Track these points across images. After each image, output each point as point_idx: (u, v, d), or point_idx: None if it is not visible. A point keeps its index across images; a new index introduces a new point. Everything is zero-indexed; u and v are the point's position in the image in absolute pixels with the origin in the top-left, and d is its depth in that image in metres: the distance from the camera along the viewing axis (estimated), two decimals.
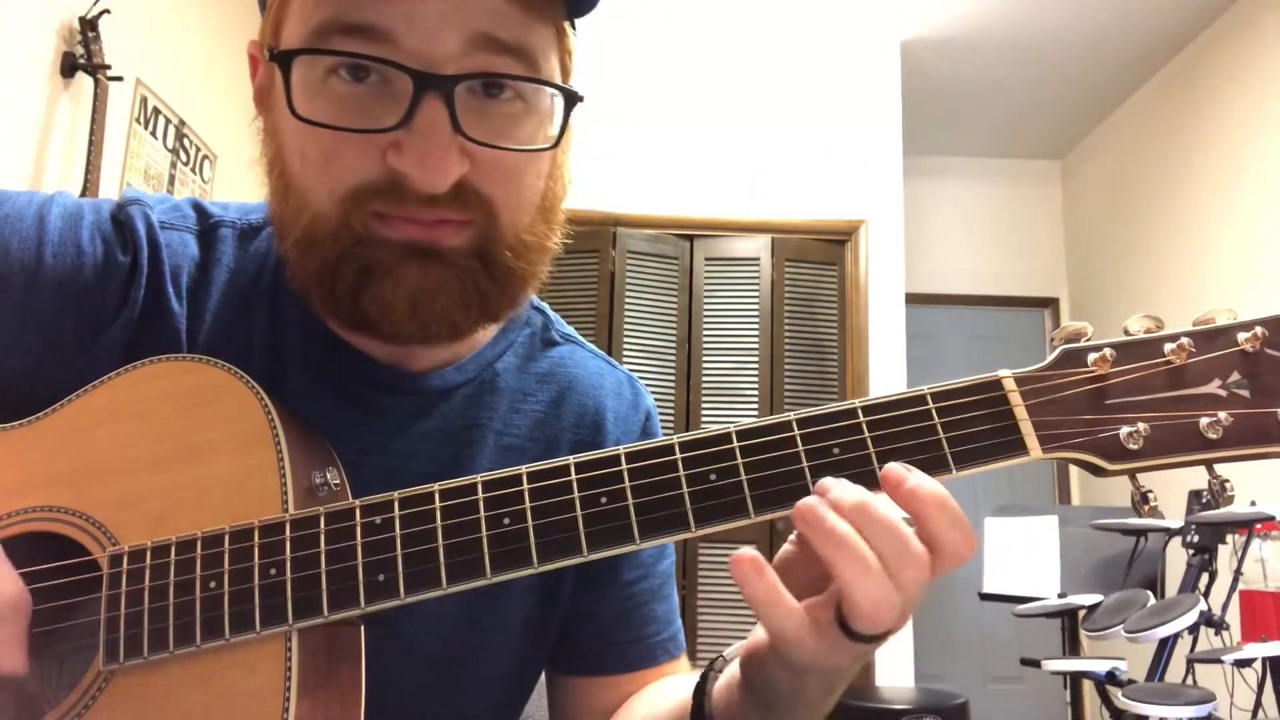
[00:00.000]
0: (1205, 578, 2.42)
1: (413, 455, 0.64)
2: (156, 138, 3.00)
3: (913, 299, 3.84)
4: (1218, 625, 2.27)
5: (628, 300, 3.42)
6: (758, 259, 3.53)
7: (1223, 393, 0.48)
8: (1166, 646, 2.34)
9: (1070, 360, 0.50)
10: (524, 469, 0.50)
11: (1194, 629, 2.25)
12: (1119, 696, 2.14)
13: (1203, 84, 3.67)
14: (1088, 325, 0.51)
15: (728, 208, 3.63)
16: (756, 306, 3.48)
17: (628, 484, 0.49)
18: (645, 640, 0.73)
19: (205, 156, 3.29)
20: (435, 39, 0.49)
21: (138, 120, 2.89)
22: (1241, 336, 0.49)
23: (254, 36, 0.58)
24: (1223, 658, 2.15)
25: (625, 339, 3.39)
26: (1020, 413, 0.48)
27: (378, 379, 0.63)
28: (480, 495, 0.49)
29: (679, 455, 0.49)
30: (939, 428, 0.48)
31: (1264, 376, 0.48)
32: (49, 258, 0.57)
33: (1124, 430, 0.48)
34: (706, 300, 3.51)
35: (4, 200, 0.59)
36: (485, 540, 0.49)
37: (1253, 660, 2.19)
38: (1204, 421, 0.48)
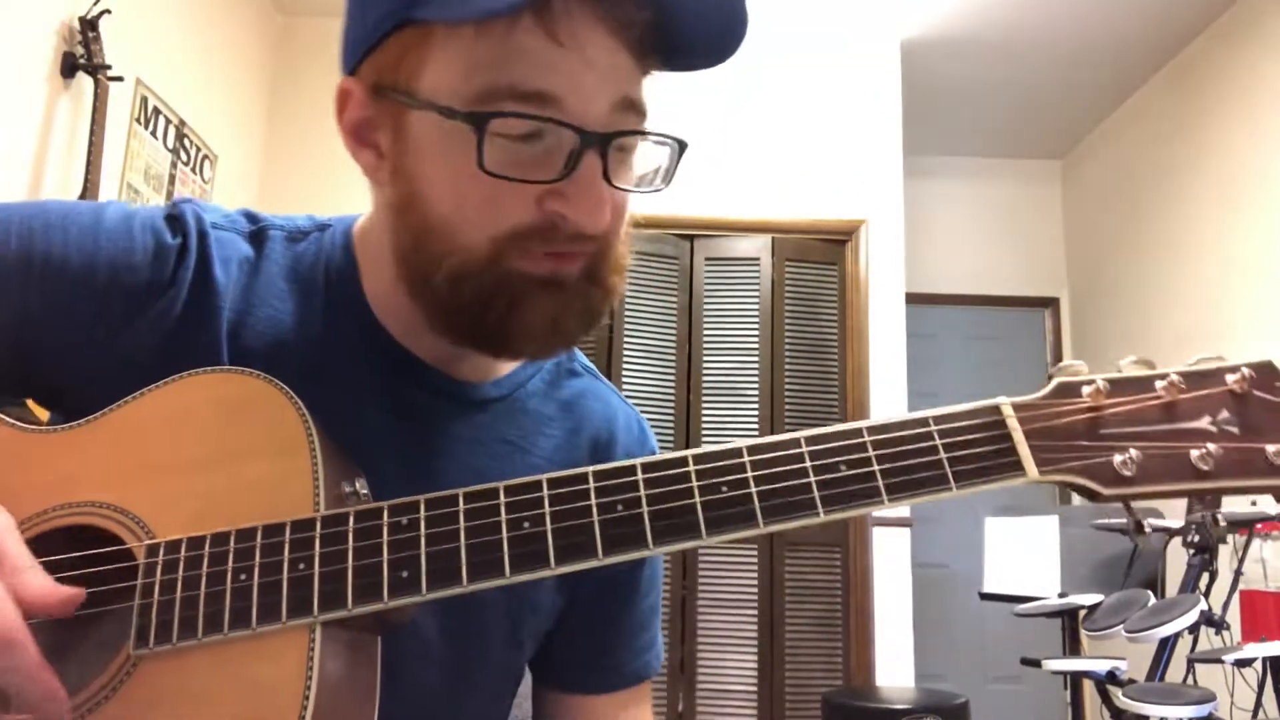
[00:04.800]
0: (1205, 578, 2.42)
1: (448, 457, 0.67)
2: (156, 138, 3.00)
3: (913, 299, 3.84)
4: (1218, 625, 2.27)
5: (628, 300, 3.42)
6: (758, 259, 3.53)
7: (1213, 428, 0.51)
8: (1167, 646, 2.34)
9: (1066, 391, 0.53)
10: (544, 477, 0.53)
11: (1194, 629, 2.25)
12: (1119, 696, 2.14)
13: (1203, 84, 3.67)
14: (1084, 364, 0.54)
15: (728, 208, 3.63)
16: (756, 306, 3.48)
17: (643, 493, 0.52)
18: (623, 666, 0.77)
19: (205, 156, 3.29)
20: (593, 102, 0.55)
21: (138, 120, 2.89)
22: (1230, 379, 0.52)
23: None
24: (1223, 658, 2.15)
25: (625, 339, 3.39)
26: (1018, 436, 0.51)
27: (425, 381, 0.67)
28: (502, 500, 0.52)
29: (692, 467, 0.52)
30: (940, 448, 0.51)
31: (1252, 416, 0.51)
32: (104, 241, 0.62)
33: (1117, 457, 0.51)
34: (706, 300, 3.51)
35: (65, 203, 0.64)
36: (505, 541, 0.51)
37: (1253, 660, 2.19)
38: (1195, 454, 0.50)
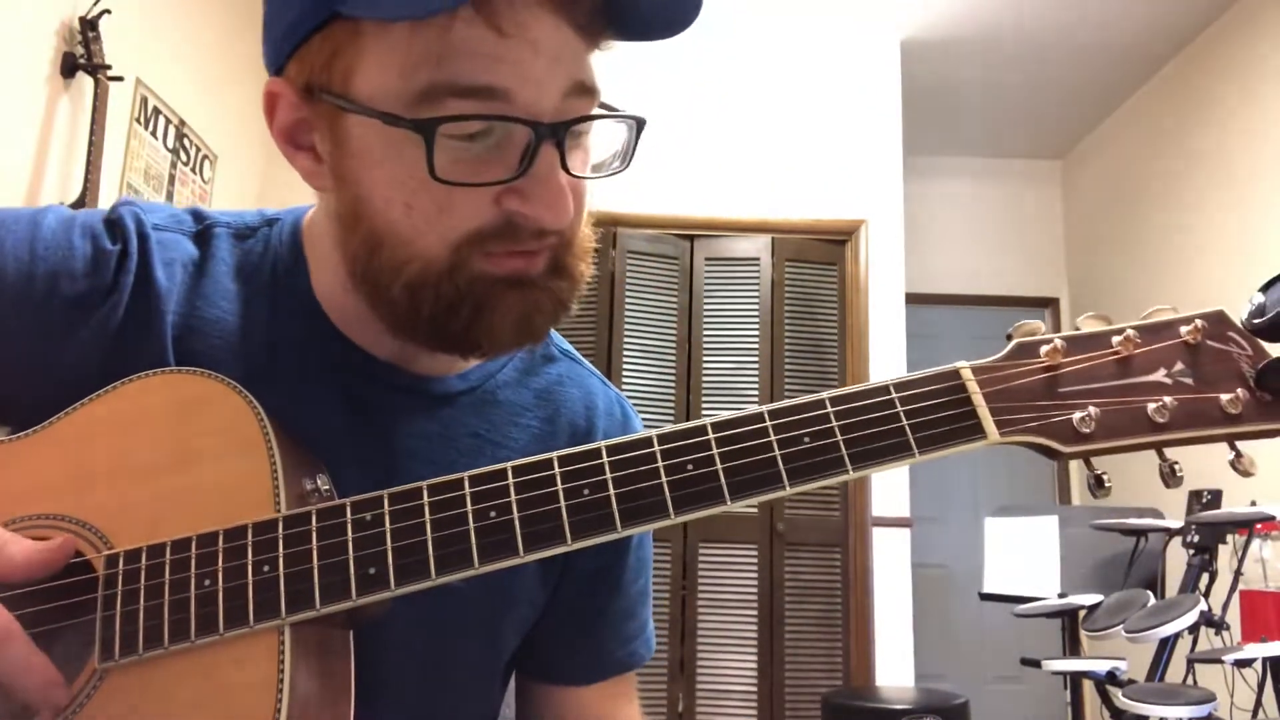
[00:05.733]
0: (1205, 578, 2.42)
1: (412, 455, 0.65)
2: (156, 138, 3.00)
3: (913, 299, 3.84)
4: (1218, 625, 2.27)
5: (628, 300, 3.42)
6: (758, 259, 3.53)
7: (1168, 380, 0.52)
8: (1167, 646, 2.34)
9: (1024, 352, 0.53)
10: (509, 465, 0.52)
11: (1194, 629, 2.25)
12: (1119, 696, 2.14)
13: (1203, 84, 3.67)
14: (1042, 324, 0.54)
15: (728, 208, 3.63)
16: (756, 306, 3.48)
17: (609, 475, 0.52)
18: (609, 655, 0.75)
19: (205, 156, 3.29)
20: (542, 90, 0.52)
21: (138, 120, 2.89)
22: (1183, 330, 0.52)
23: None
24: (1223, 658, 2.15)
25: (625, 339, 3.39)
26: (977, 399, 0.52)
27: (381, 377, 0.64)
28: (467, 490, 0.52)
29: (657, 447, 0.52)
30: (902, 415, 0.51)
31: (1205, 366, 0.52)
32: (41, 250, 0.59)
33: (1076, 415, 0.51)
34: (706, 300, 3.51)
35: (2, 210, 0.62)
36: (472, 532, 0.51)
37: (1253, 660, 2.19)
38: (1151, 406, 0.51)
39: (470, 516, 0.51)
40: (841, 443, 0.51)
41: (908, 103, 3.79)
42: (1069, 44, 3.79)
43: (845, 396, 0.52)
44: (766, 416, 0.52)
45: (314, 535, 0.51)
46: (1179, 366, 0.52)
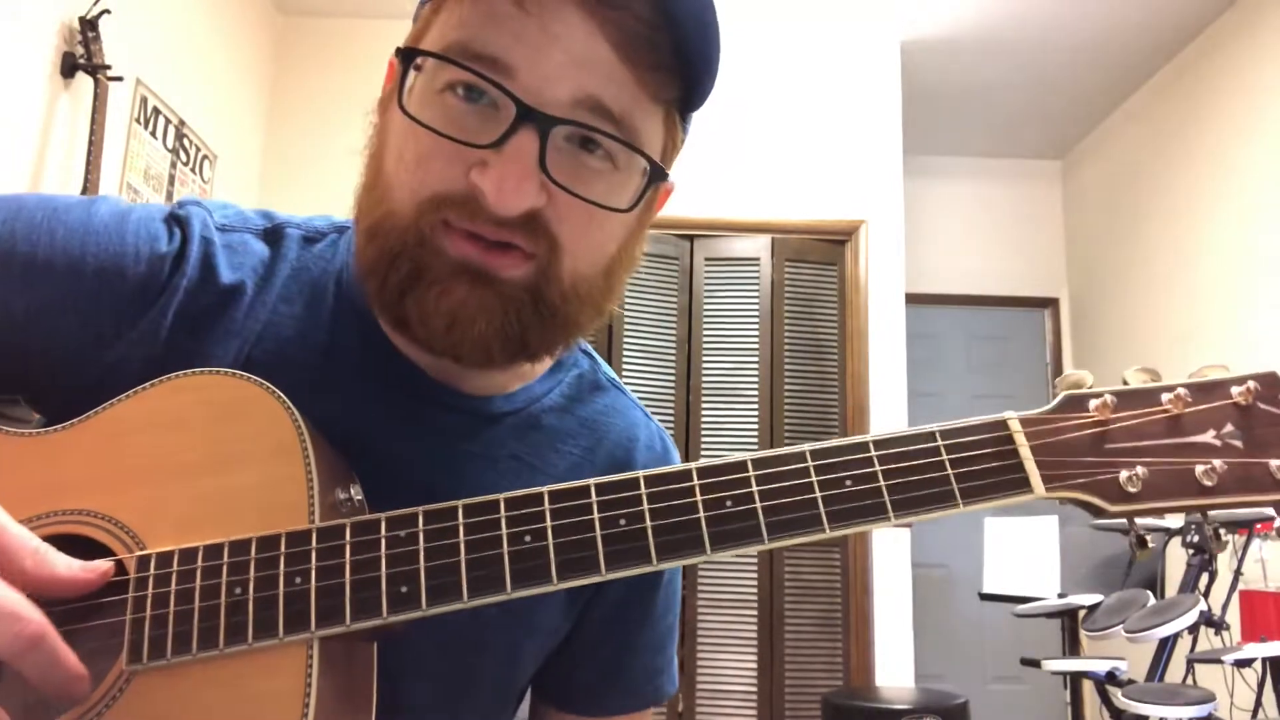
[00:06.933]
0: (1205, 578, 2.42)
1: (453, 473, 0.64)
2: (156, 138, 3.00)
3: (913, 299, 3.84)
4: (1218, 625, 2.27)
5: (628, 300, 3.42)
6: (758, 259, 3.53)
7: (1217, 442, 0.51)
8: (1166, 646, 2.35)
9: (1073, 405, 0.52)
10: (546, 489, 0.51)
11: (1194, 629, 2.25)
12: (1119, 696, 2.14)
13: (1203, 84, 3.67)
14: (1088, 375, 0.54)
15: (728, 208, 3.62)
16: (756, 306, 3.48)
17: (646, 507, 0.50)
18: (635, 688, 0.74)
19: (205, 156, 3.29)
20: (550, 84, 0.52)
21: (138, 120, 2.89)
22: (1235, 390, 0.52)
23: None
24: (1223, 658, 2.15)
25: (625, 339, 3.39)
26: (1025, 453, 0.51)
27: (429, 395, 0.64)
28: (503, 513, 0.51)
29: (696, 481, 0.51)
30: (947, 464, 0.51)
31: (1257, 429, 0.51)
32: (92, 246, 0.59)
33: (1124, 474, 0.51)
34: (706, 300, 3.51)
35: (51, 201, 0.61)
36: (506, 556, 0.50)
37: (1253, 660, 2.19)
38: (1199, 469, 0.50)
39: (505, 540, 0.50)
40: (885, 488, 0.50)
41: (908, 103, 3.79)
42: (1069, 44, 3.79)
43: (890, 440, 0.52)
44: (809, 456, 0.51)
45: (348, 550, 0.51)
46: (1229, 428, 0.51)
